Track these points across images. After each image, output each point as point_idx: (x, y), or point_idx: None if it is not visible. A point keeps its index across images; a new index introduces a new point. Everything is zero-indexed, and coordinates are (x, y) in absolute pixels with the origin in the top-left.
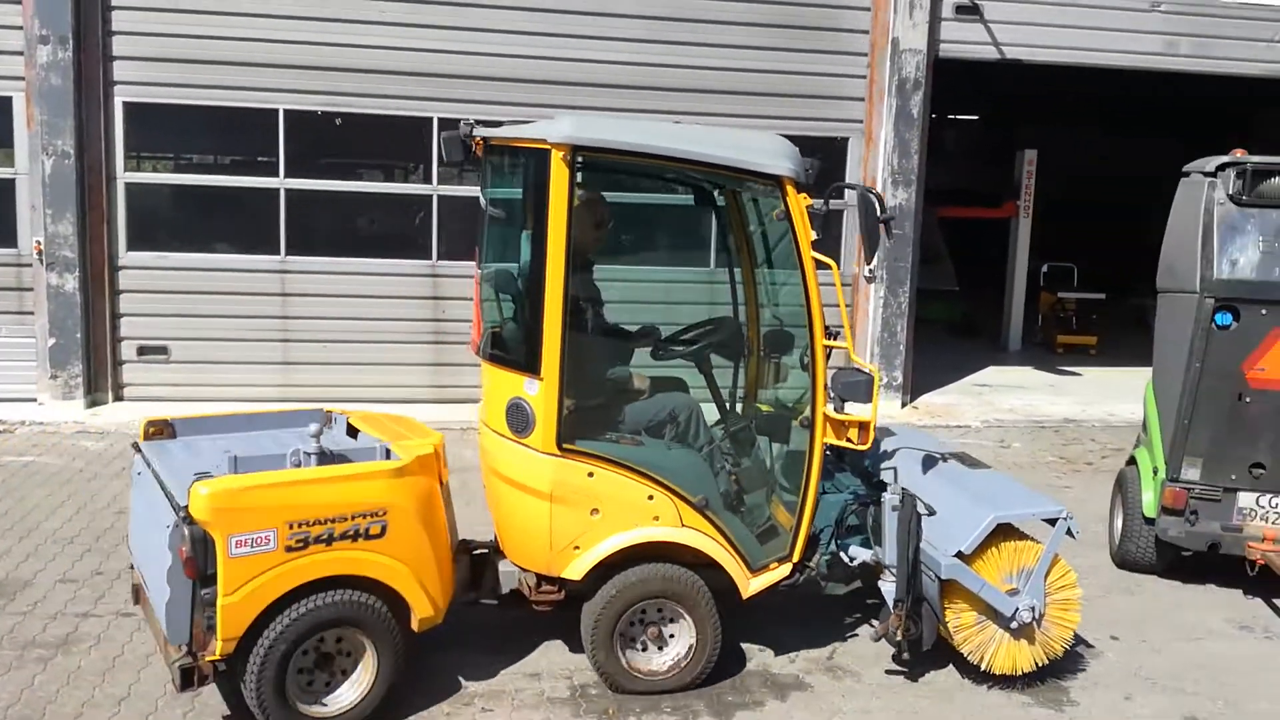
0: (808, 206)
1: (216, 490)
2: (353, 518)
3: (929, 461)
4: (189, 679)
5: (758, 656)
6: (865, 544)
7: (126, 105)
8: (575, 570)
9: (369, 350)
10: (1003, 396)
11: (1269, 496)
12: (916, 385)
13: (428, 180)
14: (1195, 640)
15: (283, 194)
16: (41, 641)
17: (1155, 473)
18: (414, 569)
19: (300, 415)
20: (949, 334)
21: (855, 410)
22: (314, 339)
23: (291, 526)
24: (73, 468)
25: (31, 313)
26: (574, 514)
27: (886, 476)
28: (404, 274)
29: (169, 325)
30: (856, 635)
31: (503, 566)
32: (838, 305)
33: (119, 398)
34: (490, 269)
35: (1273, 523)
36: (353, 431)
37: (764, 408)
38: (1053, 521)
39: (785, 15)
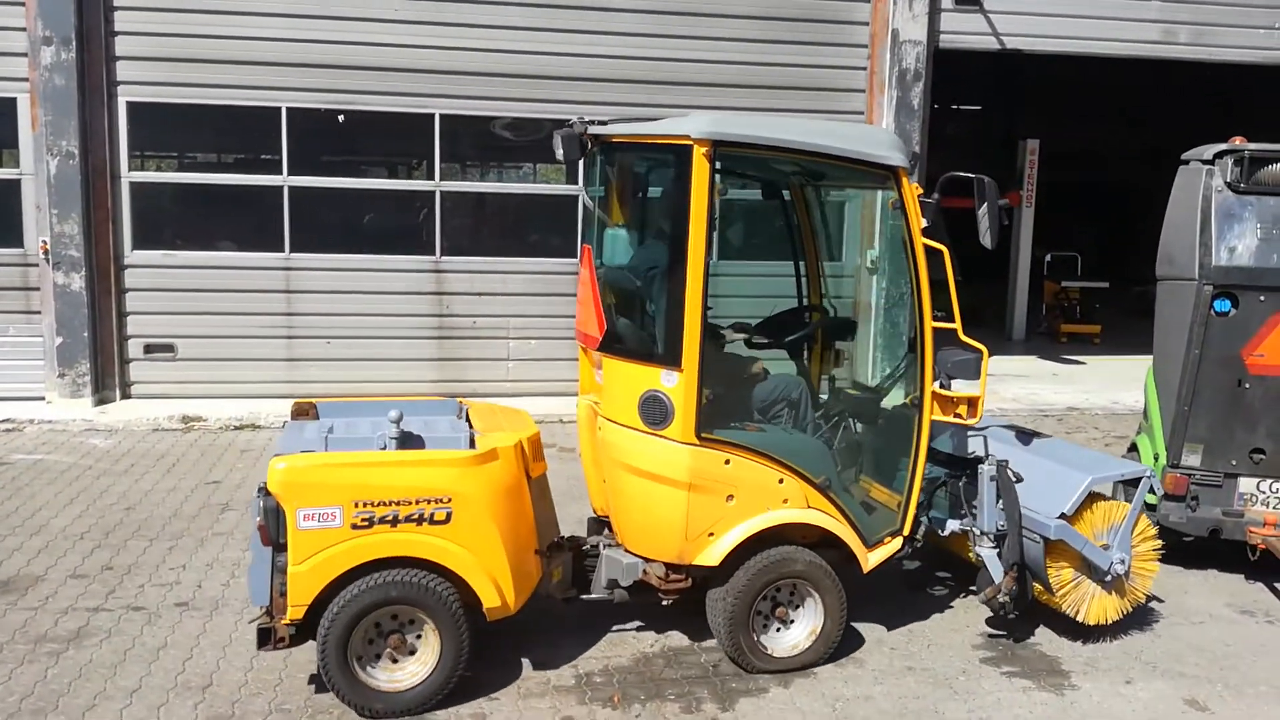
0: (919, 196)
1: (289, 466)
2: (418, 502)
3: (1005, 436)
4: (265, 638)
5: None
6: (954, 516)
7: (130, 105)
8: (710, 556)
9: (373, 346)
10: (1005, 386)
11: (1269, 481)
12: None
13: (430, 176)
14: (1196, 624)
15: (286, 191)
16: (53, 636)
17: (1156, 459)
18: (481, 558)
19: (437, 404)
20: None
21: (963, 387)
22: (318, 335)
23: (358, 505)
24: (81, 465)
25: (38, 312)
26: (711, 501)
27: (978, 449)
28: (407, 270)
29: (175, 323)
30: (852, 622)
31: (623, 559)
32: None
33: (126, 395)
34: (615, 265)
35: (1273, 507)
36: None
37: (855, 389)
38: (1133, 482)
39: (786, 8)
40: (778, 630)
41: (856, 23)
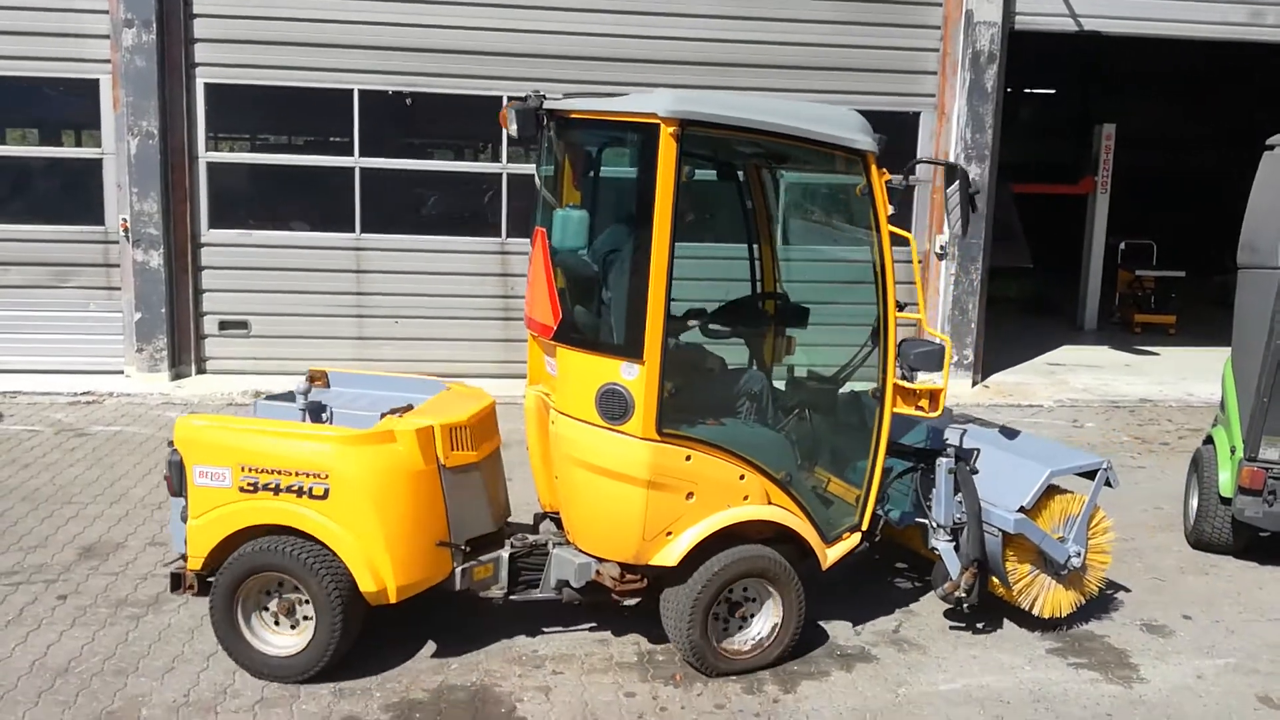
0: (887, 182)
1: (188, 424)
2: (298, 474)
3: (967, 429)
4: (176, 583)
5: (825, 629)
6: (912, 509)
7: (207, 86)
8: (668, 556)
9: (440, 326)
10: (1076, 376)
11: None
12: (988, 364)
13: (497, 159)
14: (1272, 621)
15: (357, 172)
16: (133, 600)
17: (1233, 452)
18: (359, 539)
19: (419, 383)
20: (1023, 312)
21: (926, 379)
22: (387, 314)
23: (244, 469)
24: (159, 437)
25: (118, 288)
26: (670, 499)
27: (937, 441)
28: (474, 251)
29: (249, 300)
30: (915, 608)
31: (574, 559)
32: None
33: (201, 370)
34: (569, 249)
35: None
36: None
37: (815, 382)
38: (1092, 475)
39: None
40: (737, 629)
41: (929, 3)
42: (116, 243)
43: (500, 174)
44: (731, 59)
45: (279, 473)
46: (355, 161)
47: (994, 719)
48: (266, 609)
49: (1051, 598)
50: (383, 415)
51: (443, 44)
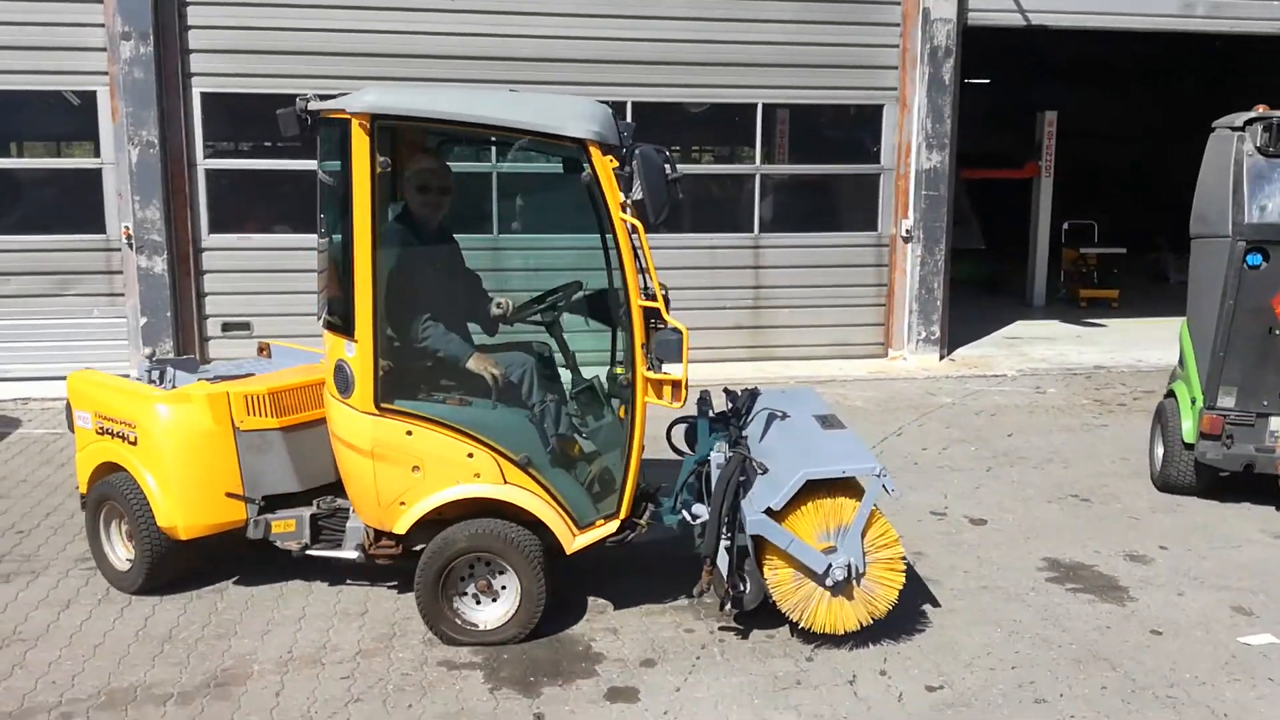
0: (615, 169)
1: (70, 377)
2: (120, 423)
3: (784, 423)
4: (82, 504)
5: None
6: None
7: (204, 96)
8: (401, 525)
9: None
10: (1034, 347)
11: None
12: (952, 339)
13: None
14: (1235, 548)
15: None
16: (209, 577)
17: (1193, 403)
18: (158, 480)
19: (293, 353)
20: (975, 292)
21: (670, 370)
22: None
23: (97, 415)
24: None
25: (121, 294)
26: (396, 471)
27: (746, 435)
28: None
29: (250, 302)
30: (925, 550)
31: (350, 523)
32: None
33: None
34: (324, 239)
35: None
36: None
37: (618, 370)
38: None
39: None
40: (477, 603)
41: (889, 2)
42: (118, 250)
43: (490, 174)
44: (703, 58)
45: (112, 420)
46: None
47: (1010, 634)
48: (115, 529)
49: (824, 611)
50: (200, 380)
51: (434, 50)
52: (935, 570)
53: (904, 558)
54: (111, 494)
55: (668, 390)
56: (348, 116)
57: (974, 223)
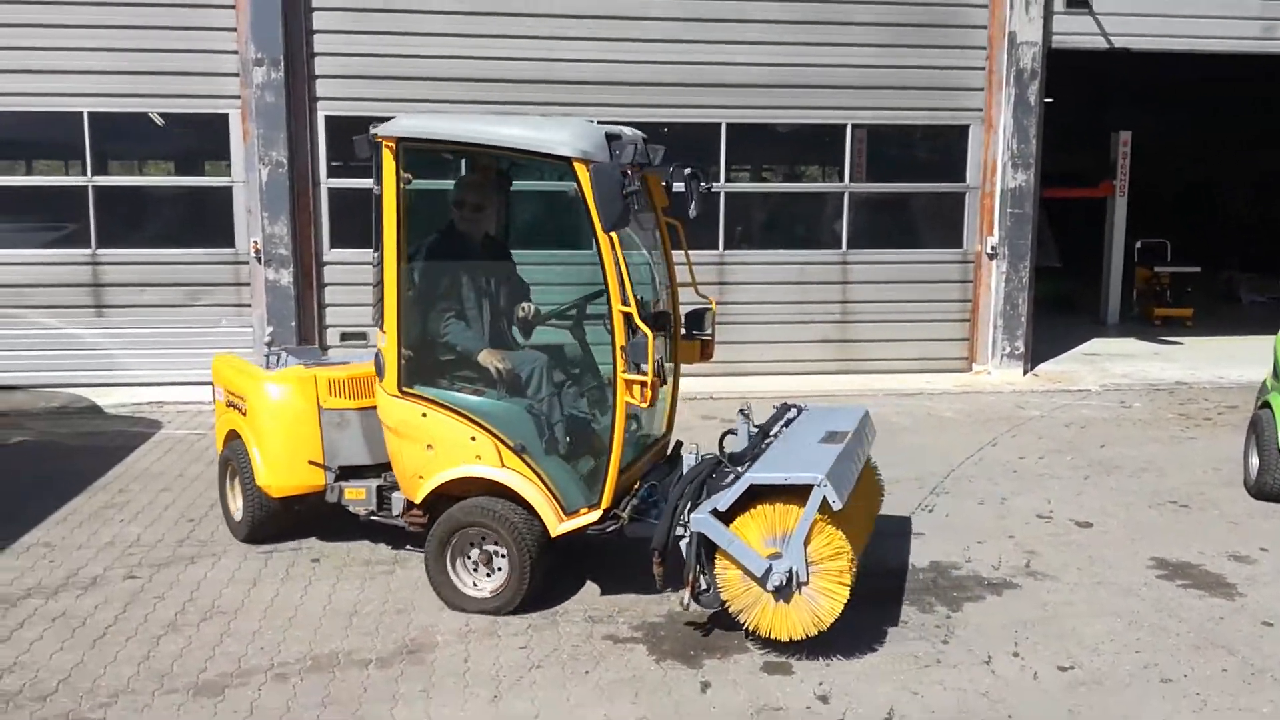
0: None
1: (215, 358)
2: (237, 396)
3: (796, 434)
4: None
5: (965, 566)
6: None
7: (328, 119)
8: (419, 496)
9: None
10: (1114, 364)
11: None
12: (1034, 355)
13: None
14: None
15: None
16: (378, 559)
17: None
18: (260, 444)
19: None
20: (1047, 309)
21: (639, 372)
22: None
23: (225, 392)
24: None
25: (248, 305)
26: (415, 448)
27: (728, 441)
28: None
29: (366, 313)
30: (1040, 550)
31: (396, 493)
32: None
33: None
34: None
35: None
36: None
37: (587, 371)
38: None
39: (910, 15)
40: (475, 573)
41: (975, 26)
42: (246, 263)
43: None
44: (798, 81)
45: (233, 395)
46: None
47: (1129, 624)
48: (235, 486)
49: (769, 615)
50: (300, 364)
51: (540, 76)
52: (1049, 567)
53: (852, 570)
54: (231, 456)
55: (637, 390)
56: (379, 140)
57: (1050, 241)
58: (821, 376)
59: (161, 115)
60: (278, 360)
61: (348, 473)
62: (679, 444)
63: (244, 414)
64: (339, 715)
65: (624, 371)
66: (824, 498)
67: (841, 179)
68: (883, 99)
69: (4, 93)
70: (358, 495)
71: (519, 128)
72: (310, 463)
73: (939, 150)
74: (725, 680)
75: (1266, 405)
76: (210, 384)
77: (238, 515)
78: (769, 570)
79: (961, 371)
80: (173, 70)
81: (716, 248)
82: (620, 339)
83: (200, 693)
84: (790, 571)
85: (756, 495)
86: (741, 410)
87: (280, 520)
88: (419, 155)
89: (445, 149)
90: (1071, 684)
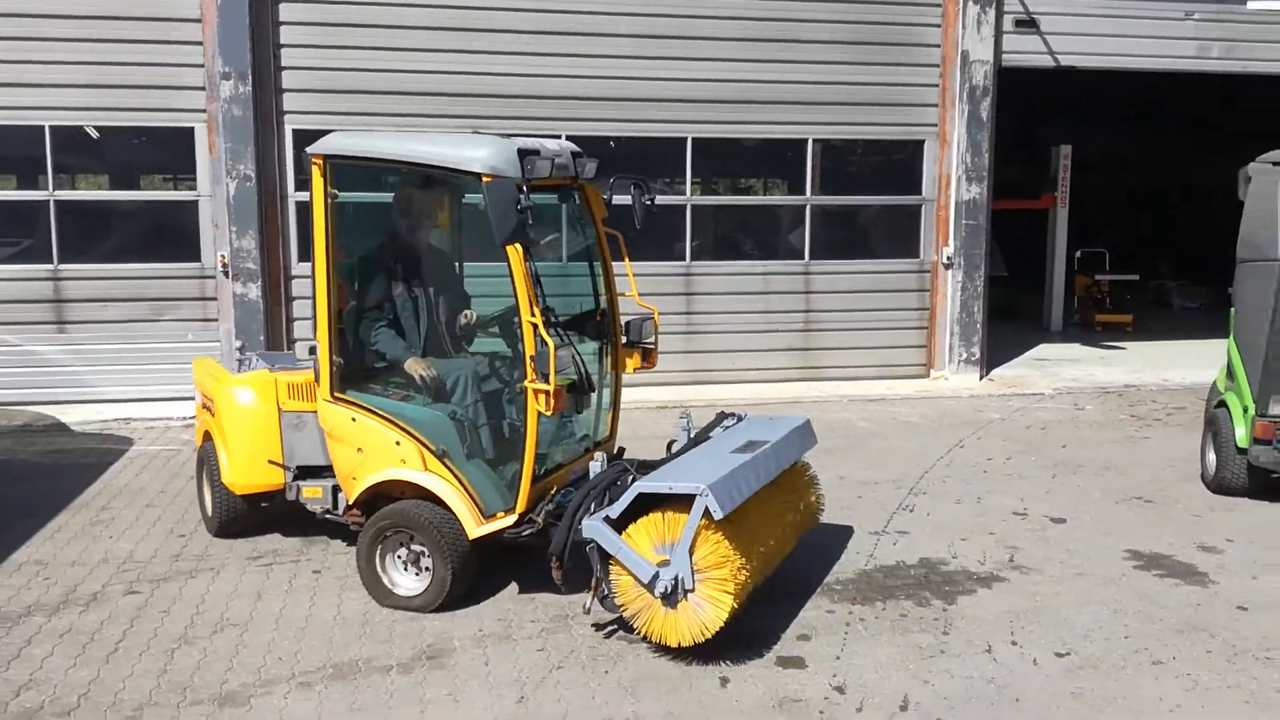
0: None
1: (194, 361)
2: (206, 398)
3: (719, 443)
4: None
5: (953, 561)
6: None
7: (295, 132)
8: (353, 496)
9: None
10: (1063, 368)
11: None
12: (988, 361)
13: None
14: None
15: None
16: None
17: (1245, 411)
18: (225, 444)
19: None
20: (995, 317)
21: (541, 382)
22: None
23: (200, 395)
24: None
25: (215, 319)
26: (347, 451)
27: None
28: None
29: None
30: (1022, 546)
31: (341, 493)
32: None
33: None
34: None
35: None
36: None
37: (507, 379)
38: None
39: (868, 34)
40: (404, 572)
41: (929, 45)
42: (213, 277)
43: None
44: (755, 97)
45: (206, 397)
46: None
47: (1115, 612)
48: (207, 484)
49: (659, 621)
50: (258, 368)
51: (501, 90)
52: (1032, 561)
53: (737, 579)
54: (204, 456)
55: (541, 399)
56: (312, 157)
57: (996, 251)
58: (786, 384)
59: (126, 129)
60: (248, 365)
61: (306, 472)
62: (621, 450)
63: (214, 414)
64: None
65: (530, 380)
66: (705, 507)
67: (803, 191)
68: (842, 114)
69: None
70: (314, 494)
71: (433, 145)
72: (270, 462)
73: (896, 164)
74: (742, 676)
75: (1222, 404)
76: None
77: (209, 511)
78: (655, 577)
79: (920, 377)
80: (138, 84)
81: (683, 259)
82: (529, 348)
83: (226, 703)
84: (676, 579)
85: (650, 503)
86: (681, 417)
87: (247, 518)
88: (348, 171)
89: (369, 165)
90: (1070, 668)
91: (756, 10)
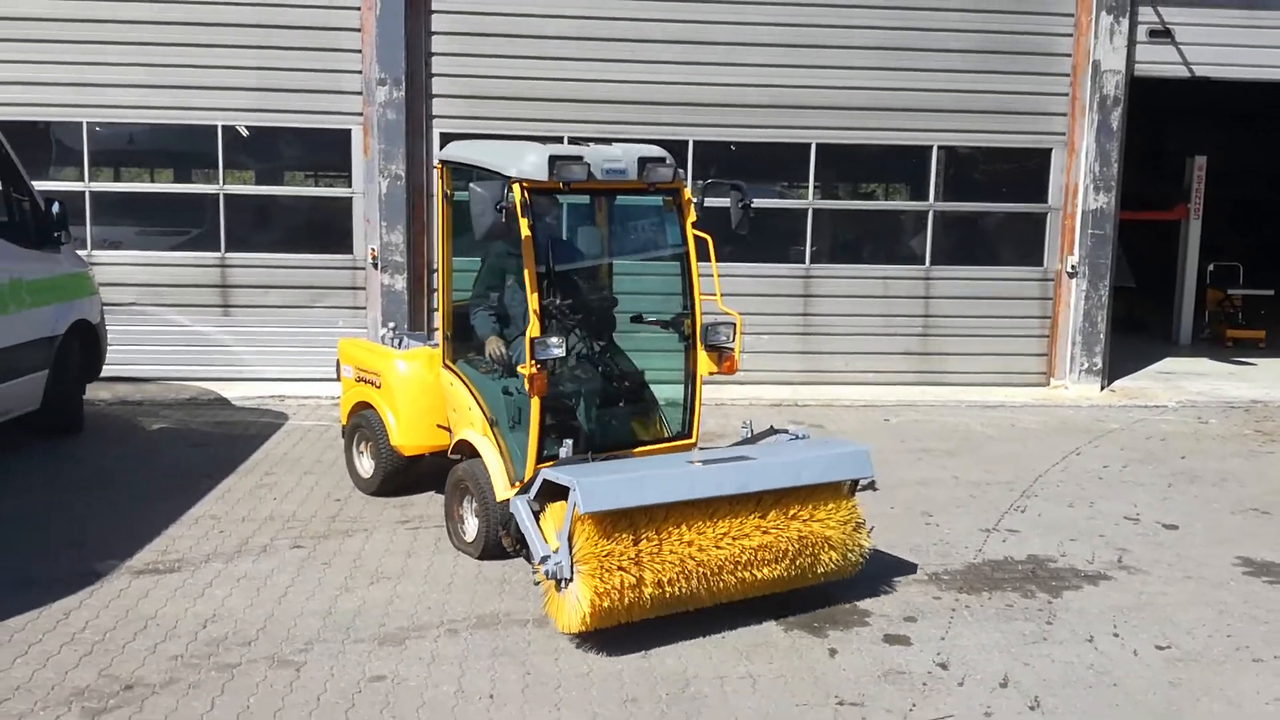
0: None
1: (340, 342)
2: (370, 372)
3: (717, 450)
4: (342, 432)
5: (1061, 560)
6: None
7: (442, 135)
8: (451, 450)
9: None
10: (1188, 382)
11: None
12: (1110, 372)
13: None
14: None
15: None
16: None
17: None
18: (393, 411)
19: None
20: (1121, 329)
21: (535, 365)
22: None
23: (355, 369)
24: None
25: (364, 308)
26: (450, 410)
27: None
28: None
29: None
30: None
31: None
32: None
33: None
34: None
35: None
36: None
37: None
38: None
39: (995, 43)
40: (472, 520)
41: (1060, 54)
42: (363, 269)
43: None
44: (890, 104)
45: (364, 371)
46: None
47: (1220, 613)
48: (363, 449)
49: (556, 604)
50: (424, 344)
51: (642, 98)
52: (1140, 563)
53: (604, 580)
54: (362, 424)
55: (527, 381)
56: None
57: (1124, 261)
58: (904, 388)
59: (290, 130)
60: (400, 342)
61: None
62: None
63: (377, 387)
64: (510, 663)
65: (523, 364)
66: (574, 501)
67: (926, 197)
68: (968, 122)
69: (153, 106)
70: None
71: (491, 152)
72: (438, 425)
73: (1021, 171)
74: (850, 648)
75: None
76: (336, 362)
77: (367, 473)
78: (545, 559)
79: (1040, 386)
80: (301, 88)
81: (803, 261)
82: (528, 339)
83: (385, 642)
84: (559, 565)
85: (561, 492)
86: (743, 427)
87: (403, 476)
88: (461, 174)
89: (462, 169)
90: (1170, 660)
91: (888, 20)
